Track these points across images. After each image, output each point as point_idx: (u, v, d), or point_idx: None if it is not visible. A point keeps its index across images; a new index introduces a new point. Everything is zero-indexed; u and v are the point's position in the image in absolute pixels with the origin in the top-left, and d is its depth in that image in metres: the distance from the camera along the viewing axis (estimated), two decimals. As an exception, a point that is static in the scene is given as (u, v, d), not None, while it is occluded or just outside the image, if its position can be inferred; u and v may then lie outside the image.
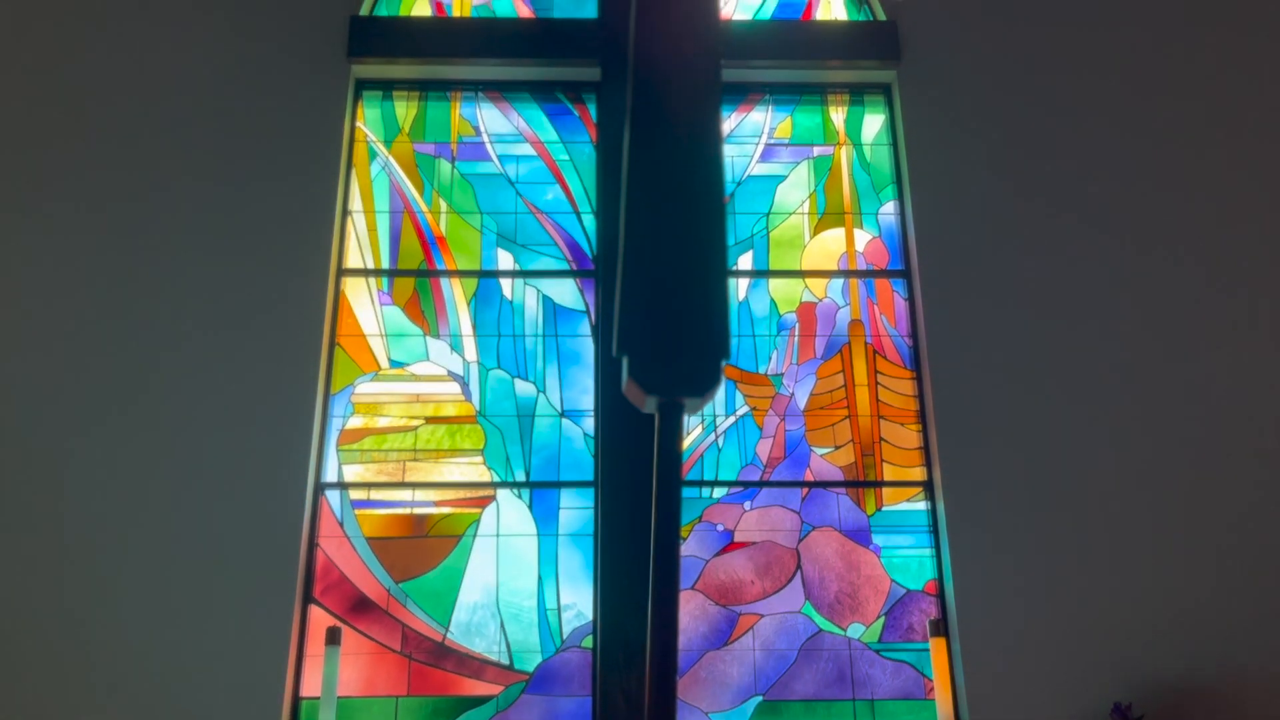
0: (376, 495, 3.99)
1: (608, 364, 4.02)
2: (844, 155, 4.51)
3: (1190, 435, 3.96)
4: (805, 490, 4.04)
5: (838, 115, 4.56)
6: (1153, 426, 3.98)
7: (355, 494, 3.98)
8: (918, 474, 4.06)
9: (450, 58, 4.42)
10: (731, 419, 4.13)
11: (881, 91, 4.55)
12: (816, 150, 4.52)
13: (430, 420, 4.09)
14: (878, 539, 3.99)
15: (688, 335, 1.73)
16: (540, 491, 4.01)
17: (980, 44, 4.45)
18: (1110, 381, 4.03)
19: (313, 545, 3.88)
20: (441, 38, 4.45)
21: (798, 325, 4.26)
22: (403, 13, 4.59)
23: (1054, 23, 4.51)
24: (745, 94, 4.55)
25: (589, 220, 4.36)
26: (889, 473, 4.07)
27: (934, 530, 3.98)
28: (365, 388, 4.11)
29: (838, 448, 4.11)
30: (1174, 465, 3.93)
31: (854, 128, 4.55)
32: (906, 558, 3.97)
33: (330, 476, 3.98)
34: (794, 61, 4.49)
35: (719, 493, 4.04)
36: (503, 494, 4.00)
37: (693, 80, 1.98)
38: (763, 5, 4.71)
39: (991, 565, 3.80)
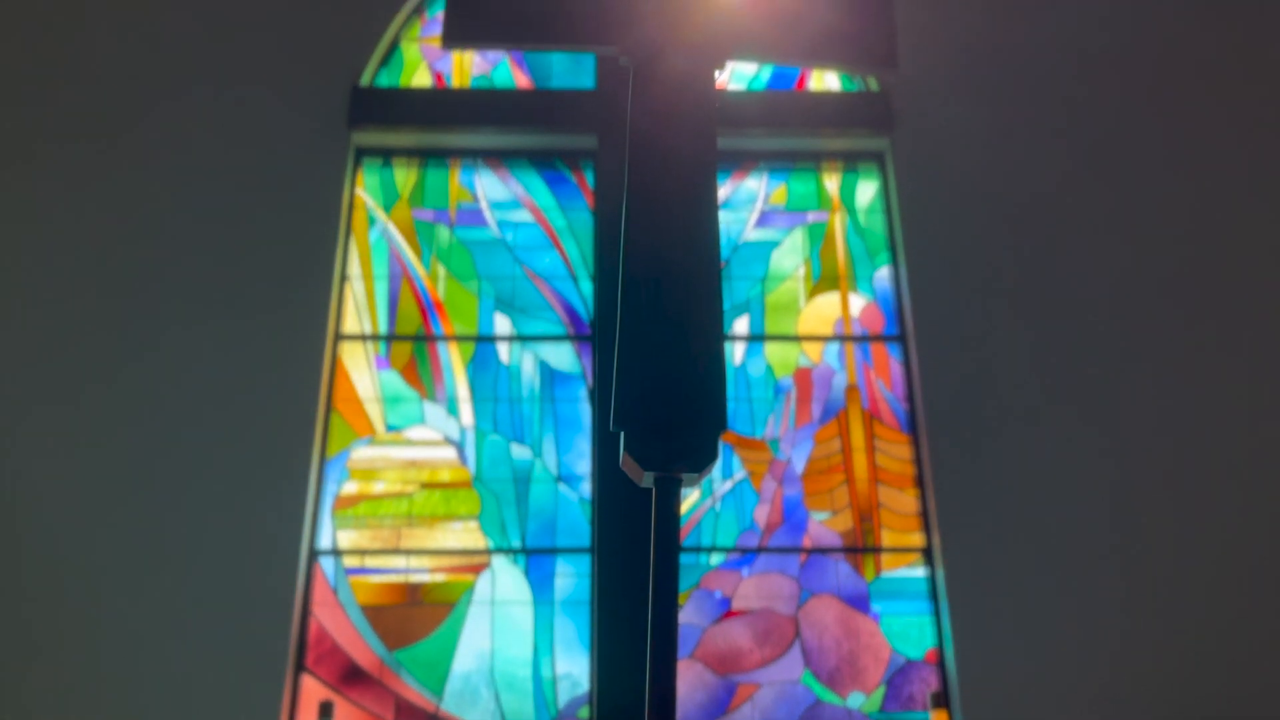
0: (370, 562, 3.95)
1: (605, 428, 4.02)
2: (838, 221, 4.55)
3: (1192, 497, 3.95)
4: (803, 556, 4.01)
5: (832, 182, 4.62)
6: (1154, 492, 3.96)
7: (349, 561, 3.94)
8: (916, 540, 4.04)
9: (450, 126, 4.49)
10: (729, 484, 4.12)
11: (875, 159, 4.62)
12: (811, 216, 4.56)
13: (425, 485, 4.07)
14: (877, 606, 3.95)
15: (684, 410, 1.74)
16: (536, 558, 3.98)
17: (972, 112, 4.52)
18: (1110, 446, 4.03)
19: (305, 613, 3.83)
20: (441, 107, 4.52)
21: (794, 390, 4.27)
22: (403, 83, 4.66)
23: (1044, 91, 4.59)
24: (740, 161, 4.61)
25: (586, 285, 4.39)
26: (887, 538, 4.05)
27: (934, 597, 3.94)
28: (361, 453, 4.10)
29: (836, 513, 4.09)
30: (1177, 529, 3.90)
31: (848, 194, 4.60)
32: (906, 625, 3.93)
33: (324, 543, 3.95)
34: (788, 129, 4.56)
35: (716, 559, 4.00)
36: (498, 560, 3.97)
37: (688, 153, 2.01)
38: (757, 75, 4.79)
39: (993, 633, 3.76)
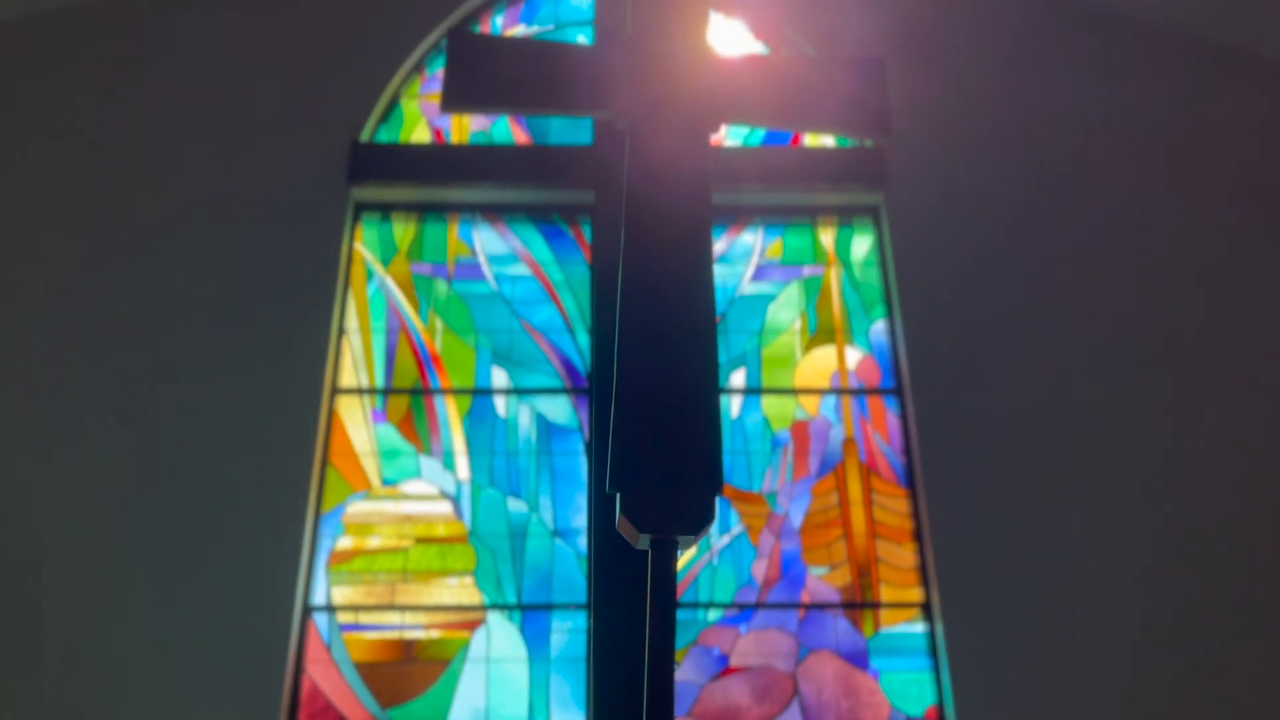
0: (364, 618, 3.91)
1: (602, 482, 4.00)
2: (834, 275, 4.58)
3: (1199, 550, 3.93)
4: (802, 612, 3.97)
5: (827, 236, 4.66)
6: (1159, 545, 3.94)
7: (343, 617, 3.90)
8: (915, 595, 4.00)
9: (448, 182, 4.54)
10: (726, 538, 4.09)
11: (869, 214, 4.66)
12: (807, 270, 4.59)
13: (421, 540, 4.04)
14: (876, 662, 3.91)
15: (680, 472, 1.73)
16: (531, 614, 3.94)
17: (964, 168, 4.57)
18: (1110, 498, 4.02)
19: (298, 670, 3.79)
20: (440, 163, 4.57)
21: (791, 443, 4.26)
22: (403, 139, 4.72)
23: (1036, 146, 4.65)
24: (736, 216, 4.64)
25: (583, 338, 4.40)
26: (886, 593, 4.02)
27: (933, 653, 3.90)
28: (356, 507, 4.08)
29: (834, 567, 4.06)
30: (1184, 584, 3.88)
31: (843, 248, 4.64)
32: (906, 682, 3.88)
33: (319, 599, 3.91)
34: (784, 185, 4.61)
35: (714, 615, 3.97)
36: (493, 616, 3.93)
37: (683, 215, 2.03)
38: (753, 130, 4.85)
39: (993, 689, 3.72)
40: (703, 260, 1.91)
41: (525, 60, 1.77)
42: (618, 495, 1.68)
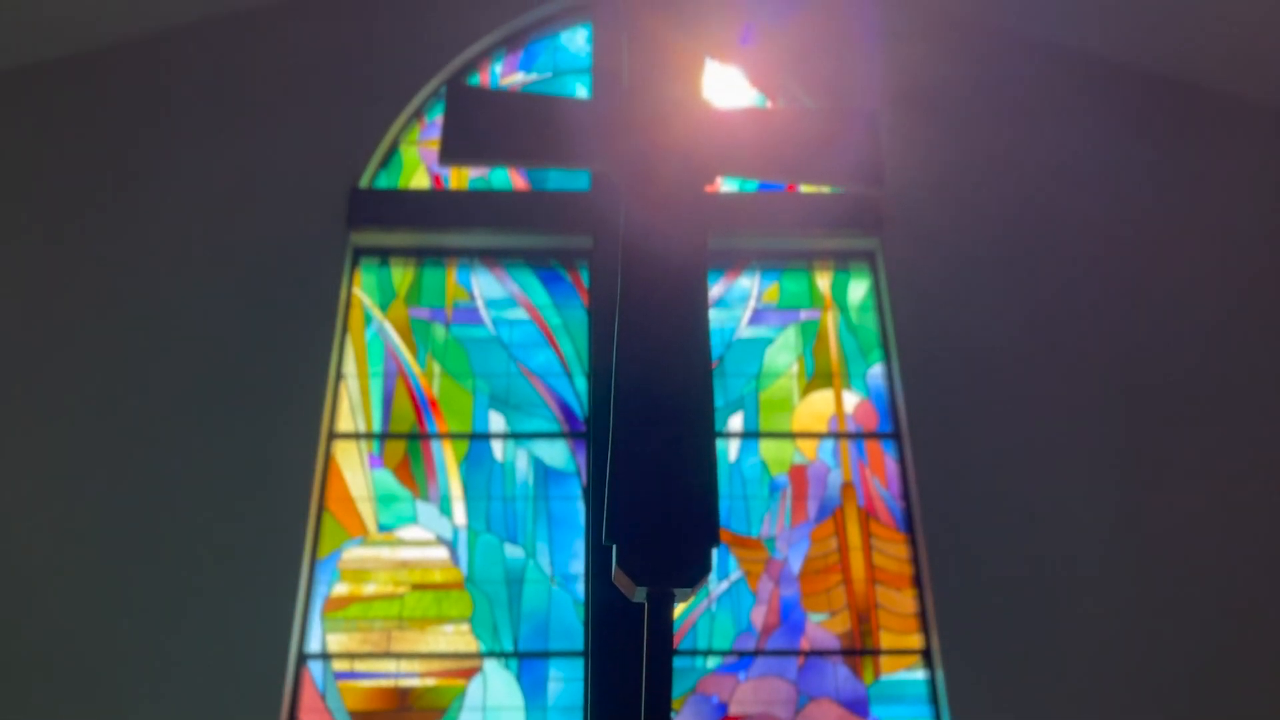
0: (360, 666, 3.87)
1: (599, 528, 3.98)
2: (831, 319, 4.60)
3: (1197, 597, 3.91)
4: (801, 659, 3.94)
5: (823, 281, 4.68)
6: (1159, 591, 3.92)
7: (338, 664, 3.86)
8: (915, 641, 3.97)
9: (447, 227, 4.56)
10: (725, 584, 4.06)
11: (865, 258, 4.69)
12: (804, 314, 4.61)
13: (417, 587, 4.01)
14: (876, 710, 3.86)
15: (677, 524, 1.73)
16: (528, 662, 3.90)
17: (960, 212, 4.60)
18: (1111, 544, 4.00)
19: (293, 719, 3.74)
20: (439, 208, 4.60)
21: (790, 487, 4.25)
22: (402, 185, 4.75)
23: (1031, 193, 4.68)
24: (733, 260, 4.67)
25: (581, 382, 4.41)
26: (886, 640, 3.98)
27: (934, 701, 3.86)
28: (352, 553, 4.05)
29: (833, 614, 4.03)
30: (1183, 630, 3.85)
31: (840, 292, 4.66)
32: (907, 730, 3.84)
33: (313, 646, 3.87)
34: (780, 230, 4.63)
35: (713, 662, 3.93)
36: (490, 664, 3.89)
37: (678, 266, 2.04)
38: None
39: (995, 739, 3.67)
40: (698, 309, 1.92)
41: (522, 115, 1.80)
42: (614, 547, 1.68)
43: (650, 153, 1.95)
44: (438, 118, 4.98)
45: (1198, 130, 4.86)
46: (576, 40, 5.17)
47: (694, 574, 1.64)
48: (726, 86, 5.00)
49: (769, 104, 5.03)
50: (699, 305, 1.94)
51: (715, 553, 1.67)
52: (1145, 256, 4.57)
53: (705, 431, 1.82)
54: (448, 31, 4.93)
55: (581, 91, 5.04)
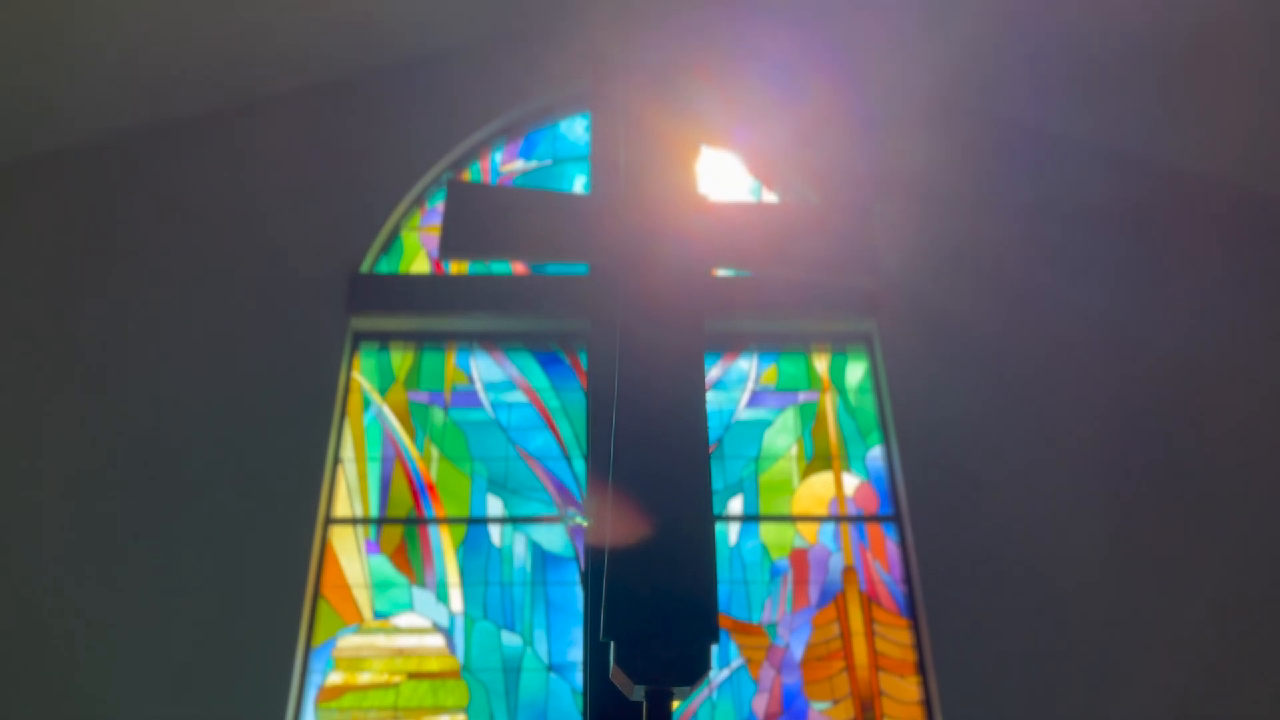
0: (353, 759, 3.78)
1: (598, 614, 3.92)
2: (829, 401, 4.60)
3: (1206, 676, 3.84)
4: (804, 750, 3.85)
5: (821, 363, 4.70)
6: (1160, 668, 3.85)
7: (331, 758, 3.77)
8: (921, 730, 3.89)
9: (447, 311, 4.59)
10: (726, 672, 3.99)
11: (862, 340, 4.71)
12: (802, 396, 4.62)
13: (413, 675, 3.94)
14: (883, 804, 3.77)
15: (675, 620, 1.71)
16: (526, 754, 3.81)
17: (956, 296, 4.64)
18: (1118, 625, 3.94)
19: (282, 817, 3.64)
20: (439, 293, 4.63)
21: (791, 572, 4.20)
22: (402, 269, 4.81)
23: (1025, 276, 4.73)
24: (731, 343, 4.69)
25: (579, 464, 4.39)
26: (891, 729, 3.90)
27: (942, 793, 3.77)
28: (347, 641, 3.99)
29: (836, 702, 3.95)
30: (1195, 710, 3.77)
31: (838, 374, 4.67)
32: (915, 825, 3.73)
33: (306, 739, 3.79)
34: (777, 313, 4.67)
35: (714, 754, 3.84)
36: (486, 757, 3.80)
37: (677, 343, 2.06)
38: (746, 259, 4.94)
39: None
40: (695, 392, 1.92)
41: (520, 210, 1.83)
42: (611, 644, 1.66)
43: (647, 243, 1.98)
44: (439, 204, 5.06)
45: (1193, 221, 4.93)
46: (576, 129, 5.28)
47: (693, 672, 1.62)
48: (724, 173, 5.09)
49: (765, 190, 5.11)
50: (696, 388, 1.95)
51: (715, 647, 1.65)
52: (1139, 338, 4.60)
53: (704, 519, 1.81)
54: (449, 120, 5.04)
55: (580, 180, 5.13)
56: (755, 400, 4.60)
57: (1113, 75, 4.79)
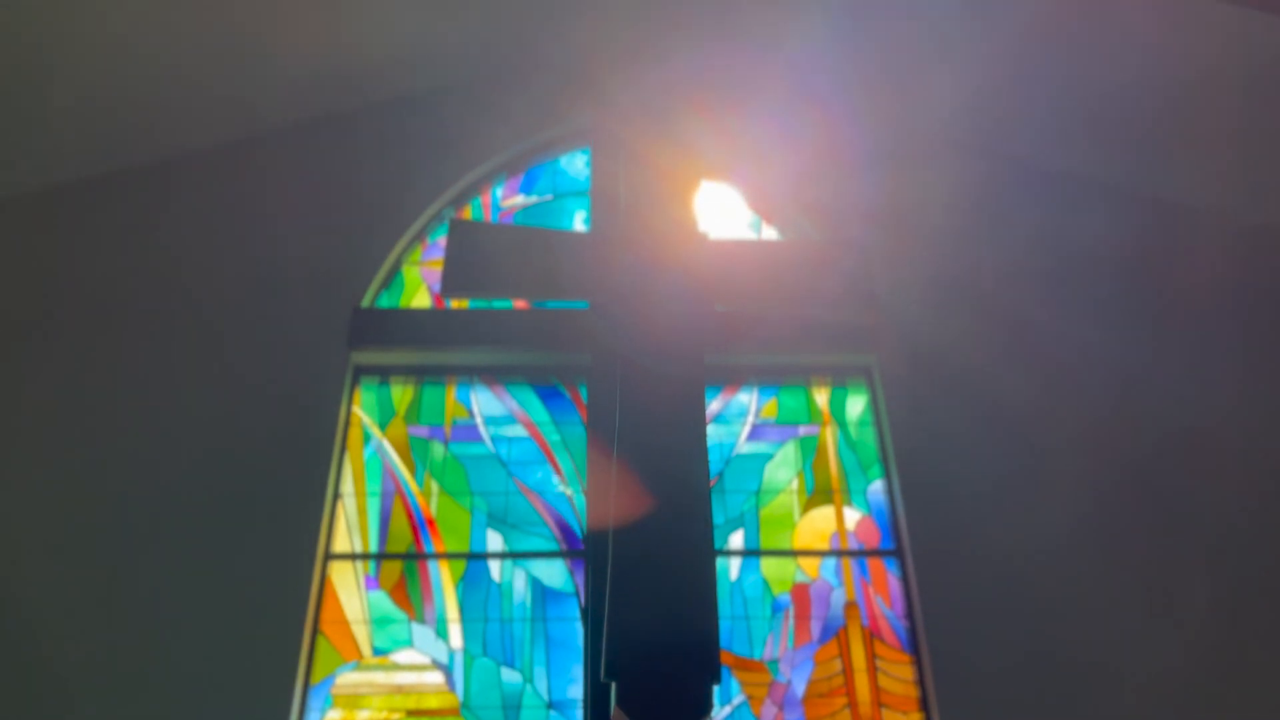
0: (351, 799, 3.73)
1: (598, 651, 3.89)
2: (829, 435, 4.60)
3: (1199, 715, 3.81)
4: (807, 789, 3.80)
5: (821, 396, 4.70)
6: (1164, 704, 3.82)
7: (328, 798, 3.73)
8: (925, 769, 3.85)
9: (447, 346, 4.60)
10: (727, 709, 3.95)
11: (862, 374, 4.72)
12: (802, 430, 4.61)
13: (411, 714, 3.90)
14: (887, 844, 3.72)
15: (676, 660, 1.70)
16: (526, 793, 3.77)
17: (956, 329, 4.65)
18: (1116, 655, 3.91)
19: None
20: (439, 328, 4.64)
21: (792, 607, 4.18)
22: (403, 304, 4.82)
23: (1025, 306, 4.75)
24: (731, 377, 4.69)
25: (580, 499, 4.38)
26: (894, 768, 3.86)
27: (947, 833, 3.72)
28: (346, 678, 3.96)
29: (839, 740, 3.91)
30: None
31: (838, 407, 4.67)
32: None
33: (303, 778, 3.75)
34: (777, 345, 4.67)
35: (716, 792, 3.79)
36: (486, 796, 3.75)
37: (677, 377, 2.06)
38: (745, 293, 4.95)
39: None
40: (696, 426, 1.92)
41: (520, 249, 1.84)
42: (613, 684, 1.65)
43: (648, 278, 1.99)
44: (440, 239, 5.09)
45: (1192, 255, 4.95)
46: (576, 164, 5.32)
47: (695, 712, 1.60)
48: (723, 209, 5.12)
49: (765, 225, 5.14)
50: (697, 421, 1.95)
51: (715, 694, 1.64)
52: (1138, 373, 4.60)
53: (705, 554, 1.80)
54: (450, 155, 5.08)
55: (581, 215, 5.16)
56: (756, 434, 4.60)
57: (1113, 111, 4.83)
